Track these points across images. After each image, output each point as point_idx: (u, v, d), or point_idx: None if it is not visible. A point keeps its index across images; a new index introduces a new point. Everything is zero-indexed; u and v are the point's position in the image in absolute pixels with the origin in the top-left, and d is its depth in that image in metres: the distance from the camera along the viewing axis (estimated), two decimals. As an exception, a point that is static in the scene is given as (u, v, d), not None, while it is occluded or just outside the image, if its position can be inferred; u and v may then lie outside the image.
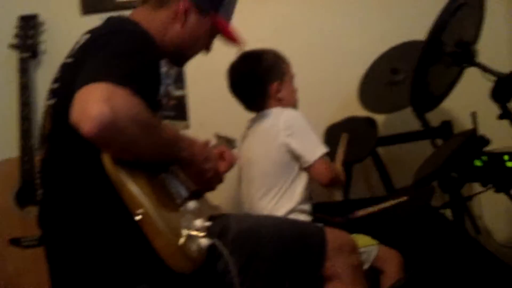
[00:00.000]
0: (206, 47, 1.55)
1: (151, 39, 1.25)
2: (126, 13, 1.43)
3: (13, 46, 2.37)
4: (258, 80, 1.92)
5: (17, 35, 2.38)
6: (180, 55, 1.51)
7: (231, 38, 1.58)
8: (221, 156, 1.46)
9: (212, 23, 1.51)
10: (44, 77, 2.44)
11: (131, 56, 1.14)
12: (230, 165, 1.47)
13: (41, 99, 2.32)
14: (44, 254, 1.31)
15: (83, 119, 0.97)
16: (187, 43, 1.47)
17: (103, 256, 1.17)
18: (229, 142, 1.66)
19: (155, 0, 1.44)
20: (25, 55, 2.35)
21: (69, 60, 1.26)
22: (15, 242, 2.19)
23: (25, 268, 2.17)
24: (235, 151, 1.67)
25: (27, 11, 2.45)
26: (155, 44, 1.26)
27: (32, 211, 2.21)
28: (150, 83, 1.20)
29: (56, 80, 1.30)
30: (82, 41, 1.27)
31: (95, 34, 1.26)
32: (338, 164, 1.99)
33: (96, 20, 1.49)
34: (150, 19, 1.39)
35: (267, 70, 1.92)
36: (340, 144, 2.08)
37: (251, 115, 2.00)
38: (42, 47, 2.47)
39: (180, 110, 2.48)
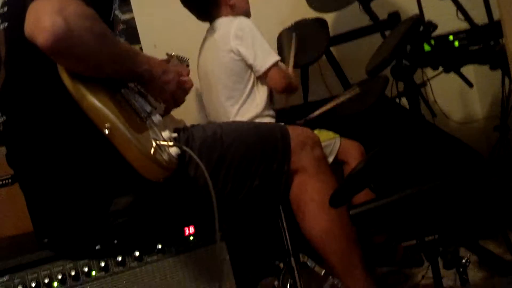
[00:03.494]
0: None
1: None
2: None
3: None
4: None
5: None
6: None
7: None
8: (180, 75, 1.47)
9: None
10: None
11: None
12: (191, 80, 1.49)
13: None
14: (20, 189, 1.34)
15: (37, 31, 0.98)
16: None
17: (78, 173, 1.20)
18: (181, 60, 1.66)
19: None
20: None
21: None
22: (-15, 182, 2.21)
23: (2, 206, 2.20)
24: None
25: None
26: None
27: (1, 151, 2.22)
28: (103, 2, 1.19)
29: (4, 4, 1.27)
30: None
31: None
32: (290, 68, 1.99)
33: None
34: None
35: None
36: (291, 46, 2.08)
37: (203, 30, 1.99)
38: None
39: (130, 34, 2.45)
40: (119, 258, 1.31)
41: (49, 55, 1.01)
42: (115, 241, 1.30)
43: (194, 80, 1.51)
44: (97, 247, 1.29)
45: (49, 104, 1.18)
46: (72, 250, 1.32)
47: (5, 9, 1.27)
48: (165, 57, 1.56)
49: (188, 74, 1.52)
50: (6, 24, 1.25)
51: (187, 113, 2.29)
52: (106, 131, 1.04)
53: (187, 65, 1.66)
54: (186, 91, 1.37)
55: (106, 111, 1.05)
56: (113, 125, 1.04)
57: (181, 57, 1.57)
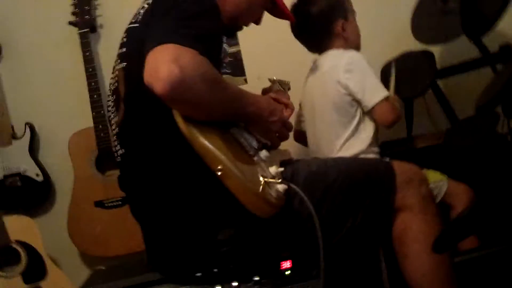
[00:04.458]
0: (257, 20, 1.60)
1: (217, 6, 1.29)
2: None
3: (72, 23, 2.47)
4: (322, 20, 1.89)
5: (73, 13, 2.47)
6: (233, 25, 1.54)
7: (284, 11, 1.63)
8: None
9: None
10: (104, 50, 2.56)
11: (198, 19, 1.19)
12: (292, 108, 1.52)
13: (105, 71, 2.45)
14: (128, 212, 1.42)
15: (155, 80, 1.05)
16: (242, 14, 1.52)
17: (187, 206, 1.26)
18: (283, 84, 1.69)
19: None
20: (84, 30, 2.45)
21: (134, 25, 1.34)
22: (99, 204, 2.37)
23: (111, 227, 2.34)
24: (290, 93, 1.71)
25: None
26: (219, 10, 1.29)
27: (112, 175, 2.37)
28: (214, 44, 1.25)
29: (123, 45, 1.38)
30: (146, 6, 1.33)
31: None
32: (391, 91, 1.94)
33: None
34: None
35: (331, 8, 1.89)
36: (391, 72, 2.03)
37: (307, 62, 2.01)
38: (99, 21, 2.56)
39: (236, 66, 2.53)
40: (218, 287, 1.34)
41: (165, 101, 1.08)
42: (215, 270, 1.33)
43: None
44: (197, 274, 1.33)
45: (163, 141, 1.26)
46: (178, 274, 1.37)
47: (124, 49, 1.37)
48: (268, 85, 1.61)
49: (291, 103, 1.55)
50: (125, 64, 1.34)
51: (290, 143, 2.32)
52: (219, 173, 1.09)
53: (289, 88, 1.69)
54: (290, 129, 1.40)
55: (217, 152, 1.10)
56: (224, 166, 1.09)
57: (282, 81, 1.60)
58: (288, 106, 1.47)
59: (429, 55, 2.19)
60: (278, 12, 1.66)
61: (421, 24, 2.28)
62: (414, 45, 2.27)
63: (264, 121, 1.29)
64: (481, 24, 1.96)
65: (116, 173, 2.10)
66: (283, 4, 1.64)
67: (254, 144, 1.25)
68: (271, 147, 1.34)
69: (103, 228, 2.37)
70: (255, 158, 1.21)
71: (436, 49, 2.30)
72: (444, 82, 2.36)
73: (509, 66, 1.89)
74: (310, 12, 1.89)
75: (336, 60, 1.83)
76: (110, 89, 1.42)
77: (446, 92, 2.29)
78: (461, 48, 2.23)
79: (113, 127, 1.40)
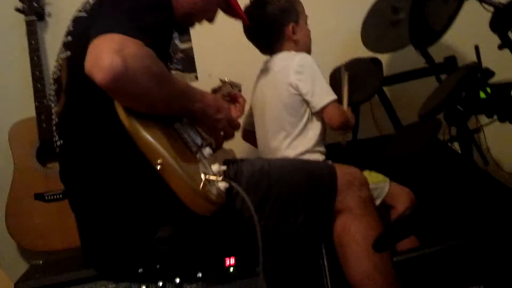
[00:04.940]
0: (210, 18, 1.60)
1: (169, 1, 1.27)
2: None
3: (19, 10, 2.40)
4: (274, 22, 1.91)
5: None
6: (185, 22, 1.54)
7: (239, 13, 1.65)
8: (232, 100, 1.50)
9: None
10: (52, 39, 2.49)
11: (148, 12, 1.17)
12: (243, 109, 1.51)
13: (51, 60, 2.39)
14: (68, 206, 1.39)
15: (95, 69, 1.02)
16: (196, 12, 1.51)
17: (126, 201, 1.24)
18: (234, 86, 1.69)
19: None
20: (32, 18, 2.38)
21: (82, 14, 1.30)
22: (39, 197, 2.30)
23: (51, 221, 2.28)
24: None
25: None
26: (171, 7, 1.28)
27: (54, 167, 2.31)
28: (162, 39, 1.23)
29: (68, 33, 1.34)
30: None
31: None
32: (345, 105, 1.99)
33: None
34: None
35: (282, 11, 1.91)
36: (343, 83, 2.07)
37: (258, 62, 2.02)
38: (47, 9, 2.49)
39: (187, 63, 2.51)
40: (160, 283, 1.33)
41: (106, 92, 1.05)
42: (158, 266, 1.32)
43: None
44: (139, 270, 1.31)
45: (104, 133, 1.23)
46: (116, 271, 1.35)
47: (69, 38, 1.33)
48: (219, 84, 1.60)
49: (244, 101, 1.54)
50: (69, 53, 1.31)
51: (236, 142, 2.33)
52: (158, 167, 1.07)
53: (239, 90, 1.69)
54: (236, 128, 1.39)
55: (158, 146, 1.08)
56: (164, 160, 1.07)
57: (234, 83, 1.60)
58: (238, 101, 1.47)
59: (377, 62, 2.24)
60: (232, 12, 1.67)
61: (371, 32, 2.33)
62: (363, 52, 2.31)
63: (210, 118, 1.28)
64: (428, 35, 2.02)
65: (58, 165, 2.05)
66: (238, 6, 1.66)
67: (198, 140, 1.24)
68: (216, 145, 1.34)
69: (42, 222, 2.30)
70: (198, 155, 1.20)
71: (384, 57, 2.35)
72: (390, 89, 2.42)
73: (452, 76, 1.94)
74: (262, 15, 1.91)
75: (287, 61, 1.85)
76: (52, 78, 1.39)
77: (392, 98, 2.34)
78: (408, 57, 2.28)
79: (53, 116, 1.36)
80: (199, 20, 1.58)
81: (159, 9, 1.22)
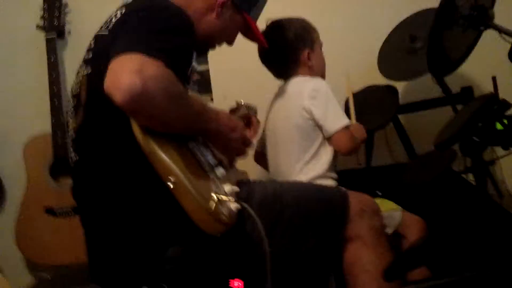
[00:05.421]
0: (230, 41, 1.61)
1: (192, 24, 1.28)
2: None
3: (40, 27, 2.44)
4: (290, 48, 1.92)
5: (43, 17, 2.45)
6: (206, 44, 1.55)
7: (259, 38, 1.66)
8: (247, 122, 1.50)
9: (244, 21, 1.58)
10: (71, 57, 2.52)
11: (170, 33, 1.18)
12: (257, 131, 1.52)
13: (69, 77, 2.42)
14: (79, 222, 1.39)
15: (114, 89, 1.02)
16: (217, 34, 1.53)
17: (137, 219, 1.23)
18: (250, 109, 1.69)
19: None
20: (52, 35, 2.42)
21: (104, 32, 1.31)
22: (50, 211, 2.31)
23: (59, 236, 2.29)
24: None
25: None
26: (194, 30, 1.29)
27: (66, 183, 2.32)
28: (183, 61, 1.24)
29: (89, 50, 1.35)
30: (118, 15, 1.31)
31: (134, 7, 1.29)
32: (353, 119, 1.99)
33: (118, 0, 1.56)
34: (188, 4, 1.41)
35: (298, 37, 1.92)
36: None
37: (273, 86, 2.03)
38: (68, 27, 2.53)
39: (203, 85, 2.53)
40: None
41: (124, 111, 1.06)
42: (164, 286, 1.31)
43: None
44: (143, 288, 1.30)
45: (119, 150, 1.23)
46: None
47: (90, 55, 1.34)
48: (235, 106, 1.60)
49: (258, 124, 1.54)
50: (89, 69, 1.32)
51: (249, 164, 2.33)
52: (171, 185, 1.07)
53: (255, 113, 1.69)
54: (249, 146, 1.40)
55: (172, 165, 1.08)
56: (177, 179, 1.07)
57: (250, 106, 1.61)
58: (252, 123, 1.47)
59: (392, 90, 2.24)
60: (251, 35, 1.68)
61: (388, 60, 2.34)
62: (380, 79, 2.31)
63: (224, 137, 1.28)
64: (445, 65, 2.02)
65: (70, 182, 2.05)
66: (257, 29, 1.67)
67: (211, 160, 1.24)
68: (229, 164, 1.34)
69: (51, 236, 2.30)
70: (211, 175, 1.19)
71: (400, 85, 2.35)
72: (405, 117, 2.41)
73: (469, 106, 1.93)
74: (278, 40, 1.92)
75: (302, 86, 1.86)
76: (72, 94, 1.39)
77: (407, 127, 2.33)
78: (424, 86, 2.28)
79: (70, 132, 1.37)
80: (219, 43, 1.59)
81: (181, 32, 1.23)
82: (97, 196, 1.29)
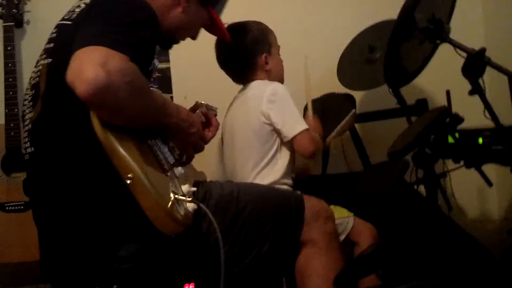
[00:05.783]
0: (194, 36, 1.61)
1: (156, 18, 1.28)
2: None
3: (-3, 15, 2.38)
4: (246, 52, 1.92)
5: (1, 4, 2.38)
6: (170, 38, 1.54)
7: (222, 32, 1.67)
8: (207, 122, 1.50)
9: (209, 15, 1.58)
10: (29, 47, 2.46)
11: (133, 26, 1.17)
12: (216, 130, 1.52)
13: (26, 68, 2.36)
14: (29, 218, 1.36)
15: (78, 80, 1.01)
16: (182, 29, 1.53)
17: (92, 215, 1.22)
18: (210, 109, 1.69)
19: None
20: (10, 24, 2.35)
21: (67, 22, 1.29)
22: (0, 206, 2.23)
23: (9, 232, 2.22)
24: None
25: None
26: (158, 24, 1.29)
27: (18, 177, 2.25)
28: (146, 54, 1.23)
29: (51, 40, 1.33)
30: (82, 5, 1.29)
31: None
32: (310, 112, 2.03)
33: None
34: None
35: (255, 42, 1.93)
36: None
37: (234, 88, 2.03)
38: (27, 17, 2.47)
39: (164, 83, 2.51)
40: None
41: (86, 103, 1.04)
42: (115, 287, 1.29)
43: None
44: (96, 289, 1.28)
45: (77, 144, 1.22)
46: (73, 287, 1.31)
47: (51, 45, 1.32)
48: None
49: (217, 123, 1.55)
50: (50, 60, 1.29)
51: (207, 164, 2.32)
52: (128, 181, 1.06)
53: (215, 114, 1.69)
54: (206, 142, 1.41)
55: (130, 160, 1.07)
56: (135, 175, 1.06)
57: (210, 106, 1.60)
58: (211, 123, 1.48)
59: (350, 99, 2.27)
60: (215, 29, 1.68)
61: (346, 69, 2.37)
62: (339, 87, 2.35)
63: (183, 132, 1.29)
64: (401, 77, 2.06)
65: (22, 175, 1.99)
66: (222, 24, 1.67)
67: (170, 158, 1.24)
68: (187, 160, 1.35)
69: (0, 233, 2.23)
70: (169, 173, 1.19)
71: (358, 94, 2.38)
72: (361, 126, 2.45)
73: (422, 118, 1.98)
74: (235, 44, 1.92)
75: (260, 90, 1.87)
76: (30, 83, 1.36)
77: (362, 136, 2.37)
78: (381, 96, 2.32)
79: (26, 122, 1.34)
80: (183, 37, 1.59)
81: (145, 25, 1.23)
82: (51, 191, 1.27)
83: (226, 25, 1.92)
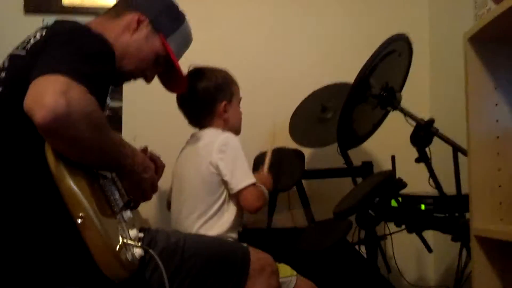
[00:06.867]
0: (146, 75, 1.57)
1: (113, 52, 1.27)
2: (71, 17, 1.42)
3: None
4: (207, 97, 1.92)
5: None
6: (120, 71, 1.45)
7: (176, 66, 1.62)
8: (153, 162, 1.48)
9: (161, 44, 1.54)
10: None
11: (93, 60, 1.17)
12: (162, 171, 1.50)
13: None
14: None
15: (37, 106, 0.99)
16: (131, 55, 1.48)
17: (36, 254, 1.16)
18: (153, 156, 1.66)
19: (112, 10, 1.48)
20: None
21: (21, 52, 1.26)
22: None
23: None
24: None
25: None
26: (114, 58, 1.28)
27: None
28: (102, 89, 1.22)
29: (2, 70, 1.29)
30: (38, 36, 1.27)
31: (57, 30, 1.27)
32: (266, 167, 2.03)
33: (39, 20, 1.53)
34: (105, 28, 1.40)
35: (218, 89, 1.93)
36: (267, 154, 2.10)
37: (185, 134, 2.02)
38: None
39: (114, 122, 2.46)
40: None
41: (42, 132, 1.01)
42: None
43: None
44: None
45: (27, 176, 1.17)
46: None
47: (3, 74, 1.28)
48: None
49: (163, 166, 1.52)
50: (1, 89, 1.25)
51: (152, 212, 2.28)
52: (79, 220, 1.03)
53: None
54: (155, 191, 1.39)
55: (82, 198, 1.04)
56: (87, 214, 1.03)
57: (154, 154, 1.59)
58: (158, 170, 1.46)
59: (300, 155, 2.30)
60: (170, 78, 1.68)
61: (298, 125, 2.41)
62: (291, 142, 2.37)
63: (137, 176, 1.27)
64: (352, 139, 2.11)
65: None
66: (174, 55, 1.60)
67: (119, 201, 1.21)
68: (134, 205, 1.32)
69: None
70: (118, 216, 1.16)
71: (306, 150, 2.41)
72: (308, 182, 2.48)
73: (368, 181, 2.03)
74: (196, 87, 1.92)
75: (212, 138, 1.86)
76: None
77: (308, 192, 2.39)
78: (329, 155, 2.36)
79: None
80: (136, 77, 1.56)
81: (103, 59, 1.22)
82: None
83: (192, 67, 1.94)
